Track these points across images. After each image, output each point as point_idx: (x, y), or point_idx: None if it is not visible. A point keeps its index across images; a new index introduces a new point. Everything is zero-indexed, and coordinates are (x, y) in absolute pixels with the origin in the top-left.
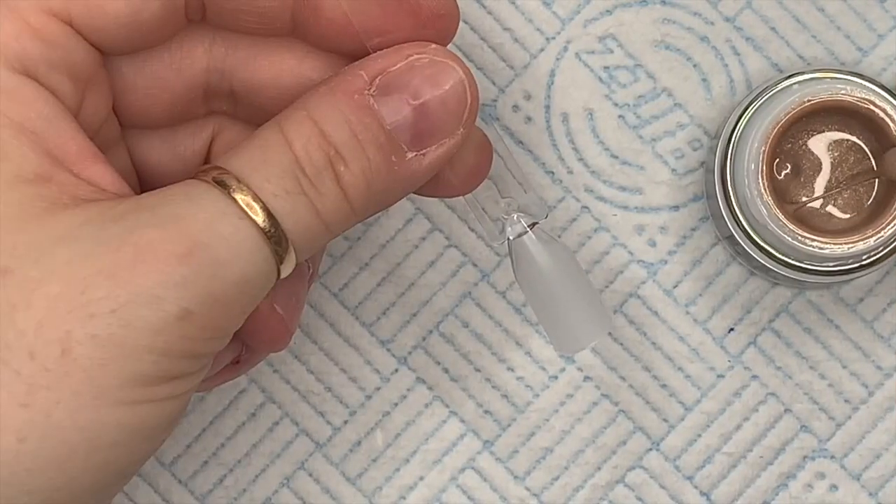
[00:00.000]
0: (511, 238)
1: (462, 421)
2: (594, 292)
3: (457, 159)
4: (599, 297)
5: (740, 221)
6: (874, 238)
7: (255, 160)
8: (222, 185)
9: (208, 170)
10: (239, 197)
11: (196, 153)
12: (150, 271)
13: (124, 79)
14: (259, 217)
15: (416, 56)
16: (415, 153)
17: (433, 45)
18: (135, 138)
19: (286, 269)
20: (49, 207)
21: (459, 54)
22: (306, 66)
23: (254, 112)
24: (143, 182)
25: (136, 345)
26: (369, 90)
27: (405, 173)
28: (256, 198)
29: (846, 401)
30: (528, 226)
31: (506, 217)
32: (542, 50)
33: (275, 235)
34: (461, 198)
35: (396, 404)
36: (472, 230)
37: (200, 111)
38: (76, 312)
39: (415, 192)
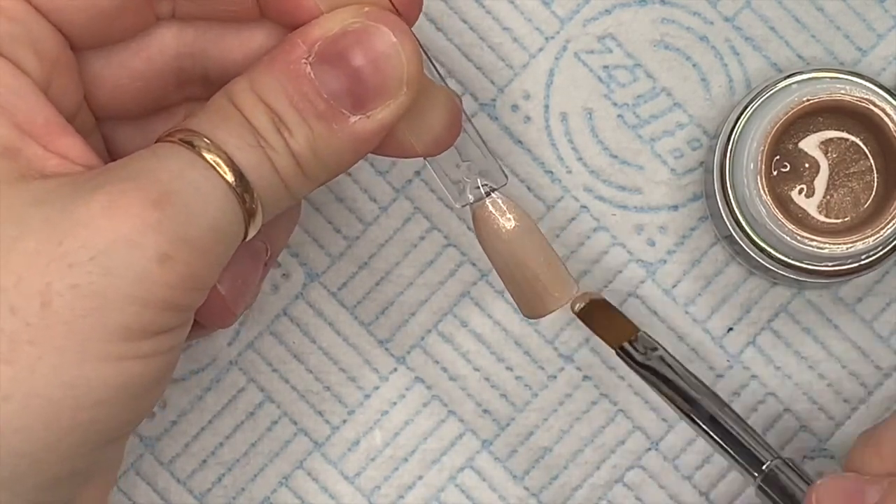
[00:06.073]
0: (471, 201)
1: (461, 420)
2: (557, 257)
3: (420, 124)
4: (563, 262)
5: (739, 221)
6: (873, 238)
7: (215, 119)
8: (190, 145)
9: (173, 132)
10: (207, 156)
11: None
12: (125, 217)
13: (93, 70)
14: (227, 174)
15: (350, 21)
16: (359, 116)
17: (367, 9)
18: (109, 129)
19: (254, 226)
20: (19, 179)
21: (458, 54)
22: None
23: None
24: None
25: (118, 294)
26: (308, 58)
27: (352, 137)
28: (222, 154)
29: (845, 401)
30: (488, 191)
31: (467, 180)
32: (541, 49)
33: (241, 187)
34: (422, 159)
35: (395, 403)
36: (433, 191)
37: (174, 99)
38: (55, 264)
39: (380, 153)
